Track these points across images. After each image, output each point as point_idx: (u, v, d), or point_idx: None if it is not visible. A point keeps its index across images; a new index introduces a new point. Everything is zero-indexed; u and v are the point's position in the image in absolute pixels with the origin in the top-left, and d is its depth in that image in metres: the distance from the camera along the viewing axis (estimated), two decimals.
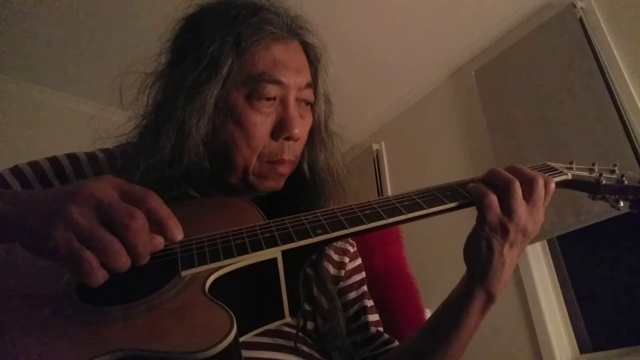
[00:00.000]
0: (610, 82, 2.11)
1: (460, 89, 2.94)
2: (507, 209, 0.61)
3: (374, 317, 0.82)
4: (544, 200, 0.63)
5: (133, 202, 0.46)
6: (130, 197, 0.47)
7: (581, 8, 2.30)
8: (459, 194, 0.63)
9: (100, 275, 0.44)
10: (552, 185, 0.64)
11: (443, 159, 2.88)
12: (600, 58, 2.17)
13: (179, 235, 0.48)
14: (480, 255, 0.62)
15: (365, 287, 0.85)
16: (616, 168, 0.72)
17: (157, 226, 0.47)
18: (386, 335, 0.80)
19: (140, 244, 0.45)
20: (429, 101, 3.17)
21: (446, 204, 0.62)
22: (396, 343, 0.80)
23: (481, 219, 0.62)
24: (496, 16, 2.65)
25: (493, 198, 0.61)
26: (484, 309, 0.65)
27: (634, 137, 1.97)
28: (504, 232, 0.61)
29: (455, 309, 0.66)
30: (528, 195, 0.62)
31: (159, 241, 0.47)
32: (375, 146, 3.46)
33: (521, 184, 0.62)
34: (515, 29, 2.66)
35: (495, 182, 0.63)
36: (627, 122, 2.01)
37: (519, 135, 2.43)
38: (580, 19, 2.28)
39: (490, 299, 0.64)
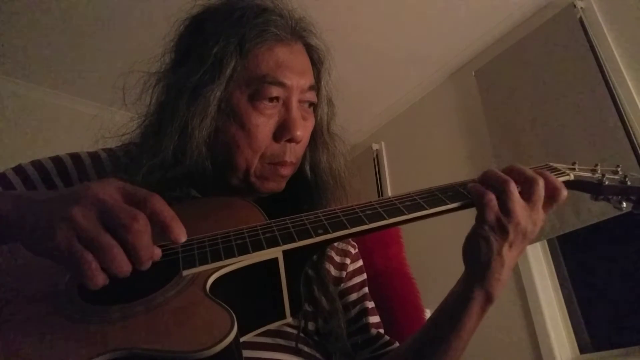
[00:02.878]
0: (610, 82, 2.11)
1: (460, 89, 2.94)
2: (506, 209, 0.60)
3: (374, 319, 0.82)
4: (553, 203, 0.63)
5: (136, 204, 0.46)
6: (133, 199, 0.47)
7: (581, 8, 2.30)
8: (461, 195, 0.63)
9: (100, 278, 0.44)
10: (564, 193, 0.63)
11: (443, 159, 2.88)
12: (600, 58, 2.17)
13: (182, 237, 0.47)
14: (479, 255, 0.62)
15: (366, 289, 0.85)
16: (619, 169, 0.72)
17: (160, 228, 0.47)
18: (387, 337, 0.80)
19: (142, 246, 0.45)
20: (429, 101, 3.17)
21: (448, 204, 0.62)
22: (396, 344, 0.79)
23: (480, 218, 0.61)
24: (496, 16, 2.65)
25: (492, 197, 0.61)
26: (483, 309, 0.65)
27: (634, 137, 1.97)
28: (503, 232, 0.60)
29: (454, 310, 0.65)
30: (527, 196, 0.61)
31: (157, 252, 0.48)
32: (375, 146, 3.45)
33: (520, 185, 0.62)
34: (515, 29, 2.65)
35: (492, 183, 0.63)
36: (627, 122, 2.01)
37: (518, 135, 2.43)
38: (580, 19, 2.28)
39: (489, 299, 0.64)
